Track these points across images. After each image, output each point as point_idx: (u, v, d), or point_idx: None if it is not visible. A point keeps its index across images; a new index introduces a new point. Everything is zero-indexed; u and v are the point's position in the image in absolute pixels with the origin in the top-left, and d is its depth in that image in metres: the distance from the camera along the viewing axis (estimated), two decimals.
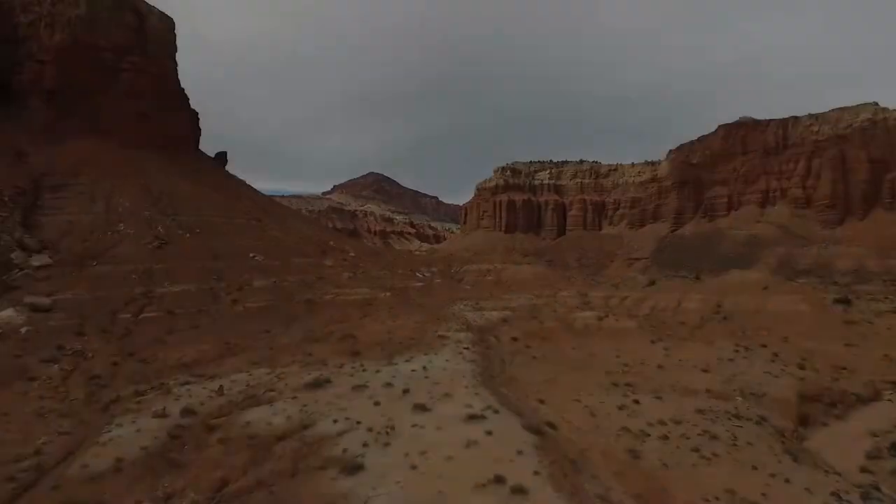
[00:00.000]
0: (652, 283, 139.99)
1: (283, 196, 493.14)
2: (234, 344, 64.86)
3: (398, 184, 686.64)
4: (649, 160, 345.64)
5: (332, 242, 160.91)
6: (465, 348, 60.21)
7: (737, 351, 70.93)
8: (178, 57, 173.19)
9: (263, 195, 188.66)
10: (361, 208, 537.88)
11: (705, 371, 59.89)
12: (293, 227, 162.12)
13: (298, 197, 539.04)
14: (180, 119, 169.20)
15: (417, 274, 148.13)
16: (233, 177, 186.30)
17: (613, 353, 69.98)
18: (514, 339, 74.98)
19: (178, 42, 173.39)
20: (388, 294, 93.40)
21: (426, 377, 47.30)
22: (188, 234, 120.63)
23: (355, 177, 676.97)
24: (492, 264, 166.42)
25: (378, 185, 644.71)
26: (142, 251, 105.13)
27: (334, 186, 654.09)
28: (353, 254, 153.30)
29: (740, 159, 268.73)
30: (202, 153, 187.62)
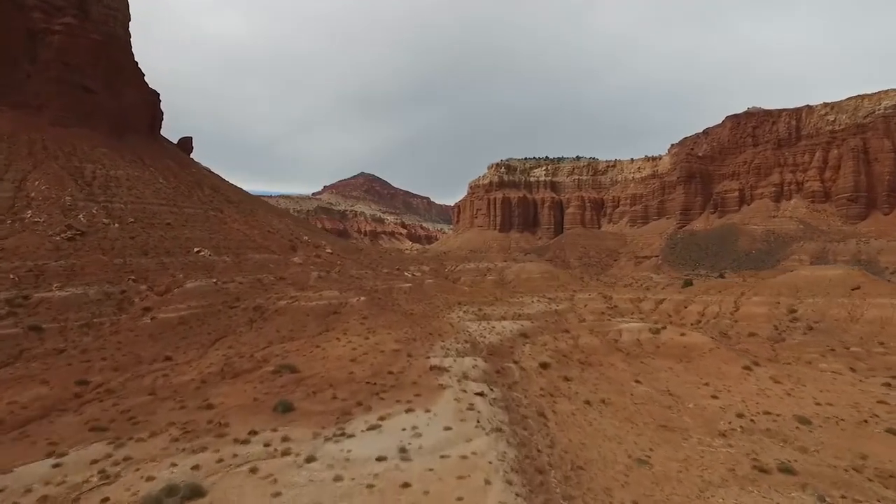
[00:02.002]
0: (688, 282, 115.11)
1: (270, 196, 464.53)
2: (93, 385, 38.21)
3: (389, 184, 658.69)
4: (649, 155, 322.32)
5: (306, 237, 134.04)
6: (477, 394, 34.03)
7: (887, 384, 45.38)
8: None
9: (232, 185, 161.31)
10: (351, 208, 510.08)
11: (893, 432, 34.13)
12: (262, 220, 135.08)
13: (287, 197, 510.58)
14: (132, 96, 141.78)
15: (406, 273, 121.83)
16: (195, 164, 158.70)
17: (702, 390, 44.10)
18: (544, 365, 48.99)
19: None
20: (361, 299, 66.99)
21: (405, 483, 21.11)
22: (117, 224, 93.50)
23: (346, 177, 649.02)
24: (492, 262, 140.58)
25: (369, 186, 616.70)
26: (44, 244, 77.91)
27: (324, 187, 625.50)
28: (329, 250, 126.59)
29: (750, 151, 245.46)
30: (162, 138, 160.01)
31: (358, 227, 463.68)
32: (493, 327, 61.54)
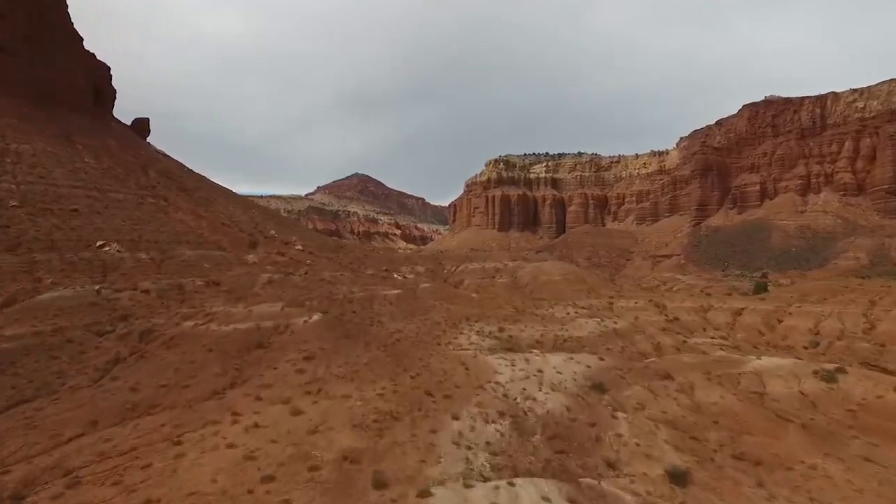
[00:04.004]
0: (761, 286, 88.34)
1: (261, 197, 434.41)
2: None
3: (383, 185, 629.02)
4: (655, 150, 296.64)
5: (273, 232, 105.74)
6: None
7: None
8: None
9: (192, 172, 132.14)
10: (344, 209, 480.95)
11: None
12: (219, 211, 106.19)
13: (278, 197, 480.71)
14: (66, 65, 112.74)
15: (395, 276, 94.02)
16: (148, 147, 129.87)
17: None
18: (679, 478, 21.34)
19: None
20: (314, 318, 39.29)
21: None
22: None
23: (340, 178, 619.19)
24: (500, 261, 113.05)
25: (363, 186, 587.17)
26: None
27: (318, 188, 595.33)
28: (300, 247, 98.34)
29: (770, 142, 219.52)
30: (112, 118, 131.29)
31: (351, 228, 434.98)
32: (540, 371, 33.76)
